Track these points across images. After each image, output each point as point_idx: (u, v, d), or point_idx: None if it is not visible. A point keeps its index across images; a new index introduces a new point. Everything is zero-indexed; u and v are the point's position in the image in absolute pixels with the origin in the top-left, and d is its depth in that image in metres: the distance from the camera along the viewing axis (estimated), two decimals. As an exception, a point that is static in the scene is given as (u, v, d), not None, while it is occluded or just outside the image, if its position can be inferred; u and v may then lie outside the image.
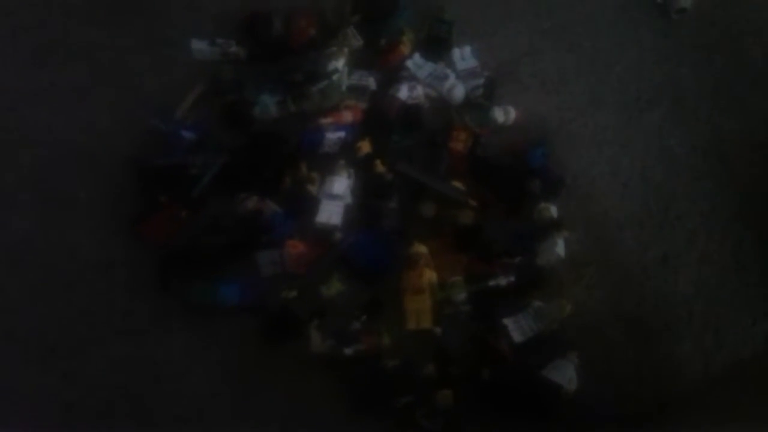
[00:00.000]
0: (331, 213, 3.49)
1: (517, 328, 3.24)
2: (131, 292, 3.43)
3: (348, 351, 3.23)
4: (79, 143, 3.73)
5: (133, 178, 3.63)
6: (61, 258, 3.51)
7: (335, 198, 3.52)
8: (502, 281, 3.32)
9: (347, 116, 3.73)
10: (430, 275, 3.33)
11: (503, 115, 3.72)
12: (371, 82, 3.83)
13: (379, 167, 3.58)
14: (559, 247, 3.37)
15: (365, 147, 3.66)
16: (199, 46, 3.89)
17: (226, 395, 3.26)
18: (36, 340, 3.37)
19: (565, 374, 3.14)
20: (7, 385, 3.28)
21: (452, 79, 3.81)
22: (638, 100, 3.87)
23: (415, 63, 3.88)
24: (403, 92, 3.76)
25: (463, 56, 3.92)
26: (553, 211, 3.48)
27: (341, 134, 3.67)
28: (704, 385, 3.15)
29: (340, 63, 3.78)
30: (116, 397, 3.27)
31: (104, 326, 3.39)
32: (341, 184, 3.54)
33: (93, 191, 3.66)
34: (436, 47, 3.94)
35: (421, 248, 3.39)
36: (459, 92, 3.78)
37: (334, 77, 3.75)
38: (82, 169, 3.71)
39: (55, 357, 3.34)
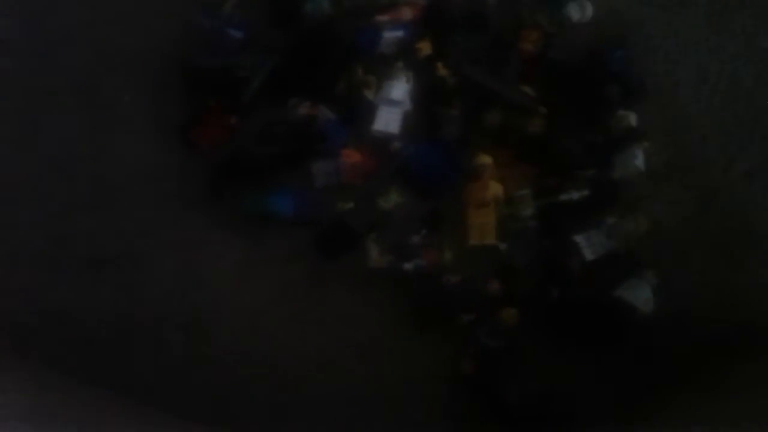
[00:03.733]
0: (389, 120, 3.26)
1: (589, 245, 3.05)
2: (183, 202, 3.32)
3: (407, 266, 3.11)
4: (121, 43, 3.53)
5: (179, 80, 3.43)
6: (109, 166, 3.39)
7: (393, 104, 3.28)
8: (575, 195, 3.10)
9: (406, 13, 3.42)
10: (495, 188, 3.14)
11: (579, 11, 3.35)
12: (433, -25, 3.49)
13: (441, 70, 3.31)
14: (638, 159, 3.11)
15: (425, 48, 3.38)
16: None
17: (281, 310, 3.19)
18: (87, 252, 3.30)
19: (641, 295, 2.97)
20: (61, 296, 3.25)
21: (523, -30, 3.46)
22: (728, -2, 3.47)
23: (482, -48, 3.51)
24: (468, -14, 3.44)
25: (535, -56, 3.52)
26: (633, 119, 3.19)
27: (399, 33, 3.38)
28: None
29: (398, -47, 3.44)
30: (170, 308, 3.22)
31: (156, 237, 3.30)
32: (400, 88, 3.29)
33: (138, 94, 3.49)
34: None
35: (486, 159, 3.17)
36: (530, -15, 3.43)
37: (392, -31, 3.43)
38: (125, 70, 3.52)
39: (107, 268, 3.29)
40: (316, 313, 3.18)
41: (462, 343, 3.03)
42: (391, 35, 3.38)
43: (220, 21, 3.46)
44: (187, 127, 3.38)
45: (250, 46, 3.44)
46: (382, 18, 3.40)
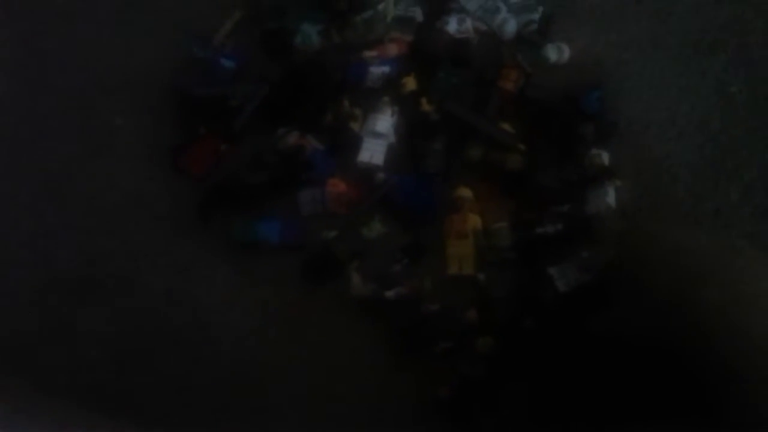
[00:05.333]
0: (373, 152, 3.37)
1: (562, 277, 3.17)
2: (173, 226, 3.40)
3: (389, 294, 3.20)
4: (114, 69, 3.61)
5: (171, 106, 3.53)
6: (100, 189, 3.46)
7: (378, 136, 3.39)
8: (550, 229, 3.23)
9: (392, 49, 3.54)
10: (474, 220, 3.25)
11: (557, 53, 3.50)
12: (418, 14, 3.60)
13: (425, 105, 3.42)
14: (610, 196, 3.24)
15: (410, 83, 3.49)
16: (237, -32, 3.66)
17: (267, 334, 3.27)
18: (76, 273, 3.37)
19: (608, 324, 3.09)
20: (49, 316, 3.32)
21: (504, 12, 3.57)
22: (700, 43, 3.59)
23: (466, -7, 3.65)
24: (452, 25, 3.54)
25: (517, -12, 3.67)
26: (605, 158, 3.32)
27: (386, 69, 3.49)
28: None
29: (386, -9, 3.57)
30: (158, 330, 3.29)
31: (146, 260, 3.38)
32: (384, 122, 3.40)
33: (130, 118, 3.57)
34: (487, -23, 3.70)
35: (466, 192, 3.29)
36: (511, 27, 3.55)
37: (380, 6, 3.55)
38: (118, 94, 3.61)
39: (96, 289, 3.35)
40: (301, 338, 3.25)
41: (440, 370, 3.12)
42: (378, 70, 3.48)
43: (212, 50, 3.57)
44: (177, 153, 3.46)
45: (241, 76, 3.54)
46: (370, 53, 3.51)
